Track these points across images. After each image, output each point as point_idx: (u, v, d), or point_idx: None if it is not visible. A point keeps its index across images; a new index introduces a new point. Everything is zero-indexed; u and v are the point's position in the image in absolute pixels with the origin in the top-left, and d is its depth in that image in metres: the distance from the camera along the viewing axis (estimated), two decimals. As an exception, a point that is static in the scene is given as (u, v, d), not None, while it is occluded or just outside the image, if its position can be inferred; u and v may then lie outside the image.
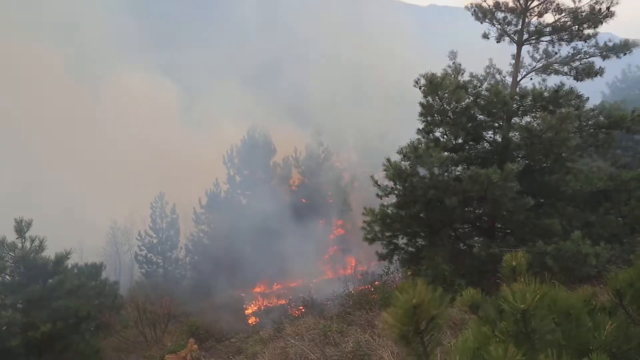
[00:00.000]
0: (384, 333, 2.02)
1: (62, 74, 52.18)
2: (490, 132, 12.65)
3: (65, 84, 50.80)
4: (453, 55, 12.13)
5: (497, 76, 12.35)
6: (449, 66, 12.10)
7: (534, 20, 12.02)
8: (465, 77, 12.11)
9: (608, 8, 10.91)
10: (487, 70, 12.34)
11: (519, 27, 11.93)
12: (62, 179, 40.93)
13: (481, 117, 12.13)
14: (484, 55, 12.91)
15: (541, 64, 11.96)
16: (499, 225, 12.87)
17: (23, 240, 11.88)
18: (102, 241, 41.86)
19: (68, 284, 12.77)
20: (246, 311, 25.42)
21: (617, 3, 10.84)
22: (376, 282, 16.61)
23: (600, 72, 11.45)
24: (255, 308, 26.93)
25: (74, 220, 36.56)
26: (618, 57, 11.22)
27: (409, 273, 12.34)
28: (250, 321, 21.73)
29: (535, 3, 11.67)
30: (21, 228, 11.85)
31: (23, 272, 11.80)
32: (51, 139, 45.19)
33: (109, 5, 71.41)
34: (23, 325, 10.92)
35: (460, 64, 12.09)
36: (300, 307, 17.03)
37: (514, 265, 2.80)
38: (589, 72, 11.48)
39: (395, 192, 12.72)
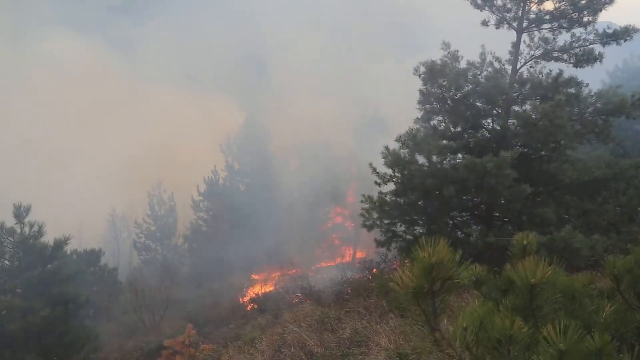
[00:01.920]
0: (397, 290, 2.07)
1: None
2: (489, 120, 12.63)
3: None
4: (446, 46, 12.04)
5: (496, 64, 12.28)
6: (446, 55, 12.02)
7: (534, 7, 11.93)
8: (463, 64, 12.04)
9: None
10: (483, 57, 12.26)
11: (519, 14, 11.85)
12: (62, 166, 40.91)
13: (480, 105, 12.09)
14: (483, 42, 12.83)
15: (540, 51, 11.89)
16: (497, 214, 12.89)
17: (22, 226, 11.88)
18: (101, 228, 41.94)
19: (67, 270, 12.80)
20: (245, 298, 25.55)
21: None
22: (374, 270, 16.69)
23: (599, 57, 11.38)
24: (254, 295, 27.05)
25: (73, 207, 36.58)
26: (618, 43, 11.14)
27: (407, 261, 12.38)
28: (248, 308, 21.85)
29: (535, -11, 11.60)
30: (20, 213, 11.85)
31: (22, 257, 11.82)
32: (52, 127, 45.12)
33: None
34: (22, 310, 10.96)
35: (457, 51, 12.03)
36: (299, 294, 17.12)
37: (525, 244, 2.86)
38: (588, 58, 11.42)
39: (394, 179, 12.73)
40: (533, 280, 2.27)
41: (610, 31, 11.21)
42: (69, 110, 47.71)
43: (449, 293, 2.19)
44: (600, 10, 11.12)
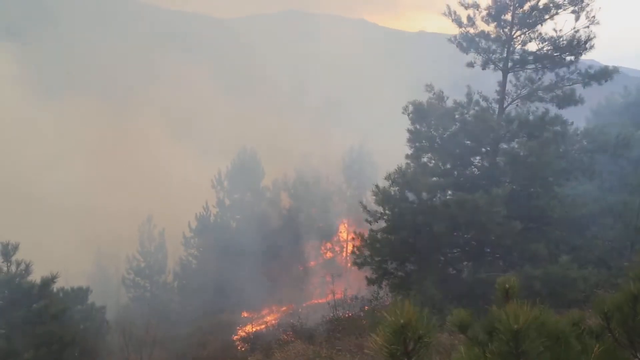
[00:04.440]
0: (373, 354, 2.08)
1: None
2: (478, 158, 12.82)
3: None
4: (430, 88, 12.38)
5: (483, 103, 12.58)
6: (431, 97, 12.33)
7: (518, 48, 12.33)
8: (449, 103, 12.32)
9: (586, 41, 11.27)
10: (469, 97, 12.58)
11: (504, 55, 12.23)
12: (49, 199, 40.56)
13: (468, 143, 12.31)
14: (473, 80, 13.18)
15: (526, 91, 12.22)
16: (488, 250, 12.93)
17: (9, 264, 11.69)
18: (88, 264, 41.23)
19: (53, 309, 12.55)
20: (235, 336, 25.05)
21: (594, 37, 11.23)
22: (365, 307, 16.52)
23: (580, 100, 11.75)
24: (244, 333, 26.54)
25: (59, 243, 36.07)
26: (599, 83, 11.51)
27: (399, 298, 12.32)
28: (239, 346, 21.39)
29: (518, 32, 12.00)
30: (7, 252, 11.68)
31: (7, 297, 11.58)
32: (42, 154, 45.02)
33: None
34: (5, 353, 10.67)
35: (442, 91, 12.33)
36: (290, 332, 16.84)
37: (507, 287, 2.87)
38: (570, 101, 11.77)
39: (384, 217, 12.80)
40: (516, 326, 2.27)
41: (592, 72, 11.58)
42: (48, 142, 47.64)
43: (424, 351, 2.18)
44: (581, 54, 11.54)
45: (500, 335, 2.32)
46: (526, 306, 2.30)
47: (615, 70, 11.34)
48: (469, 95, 12.42)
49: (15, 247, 11.80)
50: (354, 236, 12.70)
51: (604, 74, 11.22)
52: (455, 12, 12.25)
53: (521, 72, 12.48)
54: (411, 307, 2.10)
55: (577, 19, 10.99)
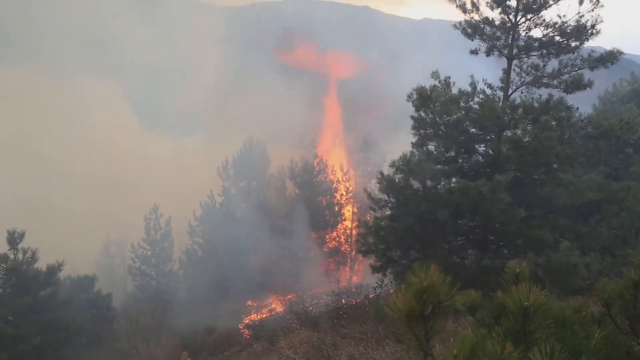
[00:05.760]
0: (391, 314, 2.15)
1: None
2: (482, 145, 12.76)
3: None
4: (436, 75, 12.29)
5: (488, 90, 12.49)
6: (439, 82, 12.24)
7: (523, 34, 12.20)
8: (455, 90, 12.24)
9: (593, 26, 11.12)
10: (473, 86, 12.49)
11: (509, 41, 12.11)
12: (56, 189, 40.78)
13: (473, 130, 12.24)
14: (477, 68, 13.09)
15: (531, 78, 12.12)
16: (492, 238, 12.92)
17: (15, 252, 11.82)
18: (94, 253, 41.55)
19: (60, 296, 12.69)
20: (240, 324, 25.26)
21: (601, 21, 11.07)
22: (370, 295, 16.59)
23: (589, 84, 11.60)
24: (249, 321, 26.75)
25: (66, 231, 36.33)
26: (606, 67, 11.39)
27: (403, 286, 12.34)
28: (244, 333, 21.58)
29: (523, 19, 11.87)
30: (13, 239, 11.80)
31: (14, 284, 11.72)
32: (46, 149, 45.14)
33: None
34: (13, 338, 10.82)
35: (449, 77, 12.25)
36: (294, 320, 16.95)
37: (518, 272, 2.90)
38: (578, 85, 11.64)
39: (389, 205, 12.79)
40: (526, 303, 2.31)
41: (597, 55, 11.47)
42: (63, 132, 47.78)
43: (441, 317, 2.23)
44: (587, 39, 11.40)
45: (509, 314, 2.36)
46: (535, 289, 2.34)
47: (620, 52, 11.21)
48: (472, 84, 12.33)
49: (22, 235, 11.92)
50: (358, 224, 12.72)
51: (610, 56, 11.10)
52: (459, -2, 12.13)
53: (526, 58, 12.37)
54: (436, 271, 2.14)
55: (580, 2, 10.84)
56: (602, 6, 10.82)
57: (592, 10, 10.91)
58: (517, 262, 3.04)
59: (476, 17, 12.14)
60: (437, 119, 11.83)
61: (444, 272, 2.14)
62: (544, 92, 12.16)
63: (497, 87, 12.42)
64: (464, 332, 2.62)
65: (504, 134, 12.03)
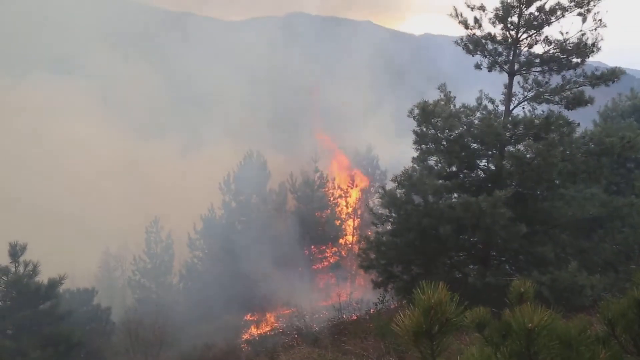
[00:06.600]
0: (397, 331, 2.16)
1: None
2: (484, 161, 12.79)
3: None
4: (443, 87, 12.37)
5: (490, 105, 12.55)
6: (443, 96, 12.31)
7: (524, 50, 12.29)
8: (458, 104, 12.30)
9: (594, 44, 11.21)
10: (478, 102, 12.55)
11: (510, 57, 12.19)
12: (55, 202, 40.78)
13: (475, 145, 12.27)
14: (478, 82, 13.16)
15: (532, 93, 12.17)
16: (494, 253, 12.88)
17: (17, 265, 11.78)
18: (94, 266, 41.41)
19: (60, 309, 12.62)
20: (240, 339, 25.05)
21: (601, 39, 11.16)
22: (371, 310, 16.50)
23: (590, 101, 11.66)
24: (249, 336, 26.55)
25: (66, 244, 36.25)
26: (607, 84, 11.44)
27: (404, 302, 12.29)
28: (244, 348, 21.39)
29: (525, 35, 11.96)
30: (15, 252, 11.77)
31: (14, 297, 11.66)
32: (45, 158, 45.30)
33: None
34: (12, 352, 10.74)
35: (450, 92, 12.32)
36: (295, 335, 16.83)
37: (522, 291, 2.89)
38: (579, 101, 11.69)
39: (390, 220, 12.79)
40: (530, 325, 2.30)
41: (599, 73, 11.53)
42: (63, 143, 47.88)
43: (447, 335, 2.23)
44: (588, 56, 11.48)
45: (513, 334, 2.34)
46: (540, 309, 2.33)
47: (622, 71, 11.27)
48: (479, 100, 12.40)
49: (23, 248, 11.89)
50: (359, 239, 12.71)
51: (612, 75, 11.16)
52: (461, 14, 12.22)
53: (528, 74, 12.44)
54: (444, 289, 2.13)
55: (584, 21, 10.93)
56: (604, 26, 10.92)
57: (595, 29, 11.01)
58: (521, 282, 3.03)
59: (478, 32, 12.24)
60: (439, 134, 11.88)
61: (445, 289, 2.15)
62: (544, 108, 12.21)
63: (500, 101, 12.49)
64: (467, 349, 2.61)
65: (506, 149, 12.06)
